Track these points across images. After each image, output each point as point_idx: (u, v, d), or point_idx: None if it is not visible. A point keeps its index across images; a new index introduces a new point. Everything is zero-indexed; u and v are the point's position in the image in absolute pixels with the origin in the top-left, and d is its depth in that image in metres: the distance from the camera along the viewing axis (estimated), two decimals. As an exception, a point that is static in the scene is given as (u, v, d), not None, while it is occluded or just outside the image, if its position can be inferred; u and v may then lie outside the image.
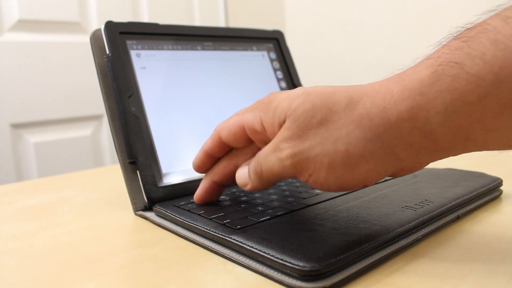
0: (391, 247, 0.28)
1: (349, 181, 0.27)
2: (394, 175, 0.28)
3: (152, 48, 0.45)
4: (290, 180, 0.43)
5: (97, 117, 1.17)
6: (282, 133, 0.28)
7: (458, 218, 0.34)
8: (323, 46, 1.38)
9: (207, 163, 0.36)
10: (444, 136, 0.24)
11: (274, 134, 0.29)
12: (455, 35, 0.24)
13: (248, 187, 0.32)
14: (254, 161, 0.31)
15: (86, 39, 1.12)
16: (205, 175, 0.36)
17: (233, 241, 0.28)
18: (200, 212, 0.34)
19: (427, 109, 0.24)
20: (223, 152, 0.35)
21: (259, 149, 0.31)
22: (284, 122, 0.28)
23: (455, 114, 0.23)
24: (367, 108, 0.26)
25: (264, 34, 0.55)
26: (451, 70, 0.23)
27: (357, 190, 0.27)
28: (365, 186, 0.28)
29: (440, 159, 0.26)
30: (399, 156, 0.26)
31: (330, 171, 0.26)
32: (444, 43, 0.25)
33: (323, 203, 0.35)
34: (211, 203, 0.36)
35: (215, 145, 0.34)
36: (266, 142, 0.30)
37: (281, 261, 0.24)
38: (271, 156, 0.28)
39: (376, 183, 0.40)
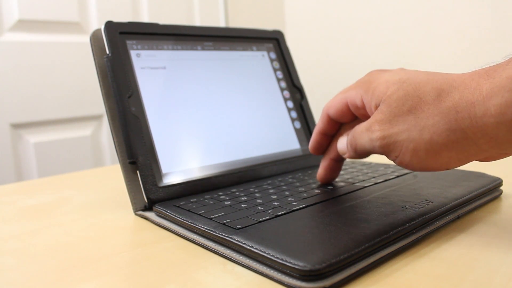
0: (391, 247, 0.28)
1: (431, 164, 0.29)
2: (481, 161, 0.30)
3: (152, 48, 0.45)
4: (290, 180, 0.43)
5: (97, 117, 1.17)
6: (376, 115, 0.31)
7: (458, 218, 0.34)
8: (323, 46, 1.38)
9: (322, 143, 0.39)
10: None
11: (371, 112, 0.32)
12: None
13: (346, 156, 0.36)
14: (351, 134, 0.34)
15: (86, 39, 1.12)
16: (323, 156, 0.40)
17: (233, 241, 0.28)
18: (200, 212, 0.34)
19: None
20: (334, 129, 0.38)
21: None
22: (379, 104, 0.31)
23: None
24: (455, 101, 0.27)
25: (264, 34, 0.55)
26: None
27: (440, 171, 0.30)
28: (447, 169, 0.30)
29: None
30: (482, 147, 0.27)
31: (414, 156, 0.29)
32: None
33: (323, 203, 0.35)
34: (330, 179, 0.40)
35: (326, 123, 0.38)
36: (367, 116, 0.33)
37: (281, 261, 0.24)
38: (364, 135, 0.32)
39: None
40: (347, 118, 0.36)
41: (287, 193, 0.38)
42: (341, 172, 0.46)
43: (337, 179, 0.43)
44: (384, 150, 0.30)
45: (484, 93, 0.26)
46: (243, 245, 0.27)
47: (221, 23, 1.44)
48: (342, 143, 0.36)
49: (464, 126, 0.27)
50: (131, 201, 0.39)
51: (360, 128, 0.32)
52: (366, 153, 0.33)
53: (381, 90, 0.31)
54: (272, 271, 0.25)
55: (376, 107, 0.31)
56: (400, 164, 0.30)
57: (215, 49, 0.50)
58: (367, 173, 0.45)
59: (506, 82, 0.25)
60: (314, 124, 0.54)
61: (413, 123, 0.28)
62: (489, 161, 0.30)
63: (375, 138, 0.30)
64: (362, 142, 0.32)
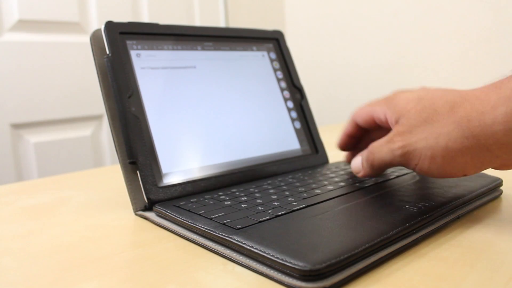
0: (391, 247, 0.28)
1: (449, 170, 0.32)
2: (497, 169, 0.32)
3: (152, 48, 0.45)
4: (290, 180, 0.43)
5: (97, 117, 1.17)
6: (397, 128, 0.34)
7: (458, 218, 0.34)
8: (323, 46, 1.38)
9: (348, 143, 0.45)
10: None
11: (393, 126, 0.35)
12: None
13: (360, 174, 0.39)
14: (367, 152, 0.37)
15: (86, 39, 1.12)
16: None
17: (233, 241, 0.28)
18: (200, 212, 0.34)
19: None
20: (360, 133, 0.43)
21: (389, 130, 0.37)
22: (399, 119, 0.34)
23: None
24: (467, 111, 0.30)
25: (264, 34, 0.55)
26: None
27: (458, 177, 0.33)
28: (464, 175, 0.32)
29: None
30: (496, 153, 0.29)
31: (432, 162, 0.31)
32: None
33: (323, 203, 0.35)
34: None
35: (353, 128, 0.43)
36: (390, 129, 0.36)
37: (281, 261, 0.24)
38: (384, 147, 0.34)
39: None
40: (372, 127, 0.41)
41: (287, 193, 0.38)
42: (341, 172, 0.46)
43: (337, 179, 0.43)
44: (405, 158, 0.33)
45: (492, 103, 0.28)
46: (243, 245, 0.27)
47: (221, 23, 1.44)
48: (357, 163, 0.39)
49: (476, 133, 0.29)
50: (131, 201, 0.39)
51: (379, 142, 0.35)
52: (383, 167, 0.36)
53: (401, 106, 0.34)
54: (272, 271, 0.25)
55: (397, 121, 0.34)
56: (421, 171, 0.33)
57: (215, 49, 0.50)
58: (367, 173, 0.45)
59: (510, 93, 0.27)
60: (314, 124, 0.54)
61: (430, 131, 0.31)
62: (505, 169, 0.31)
63: (396, 148, 0.33)
64: (381, 154, 0.35)
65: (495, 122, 0.28)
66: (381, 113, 0.37)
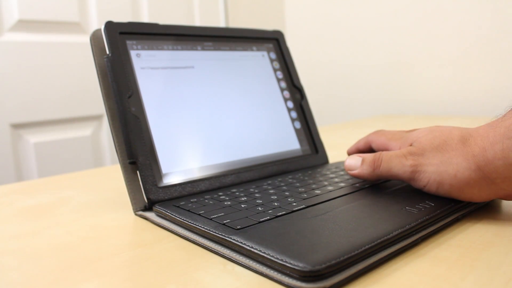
0: (391, 248, 0.28)
1: (455, 196, 0.33)
2: (504, 199, 0.34)
3: (152, 48, 0.45)
4: (290, 180, 0.43)
5: (97, 117, 1.17)
6: (409, 148, 0.36)
7: (458, 220, 0.34)
8: (323, 46, 1.38)
9: (355, 153, 0.46)
10: None
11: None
12: None
13: (355, 172, 0.40)
14: (374, 156, 0.38)
15: (86, 39, 1.12)
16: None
17: (233, 241, 0.28)
18: (200, 212, 0.34)
19: None
20: (370, 151, 0.45)
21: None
22: (412, 143, 0.37)
23: None
24: (472, 147, 0.32)
25: (264, 34, 0.55)
26: None
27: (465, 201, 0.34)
28: (471, 201, 0.34)
29: None
30: (501, 186, 0.31)
31: (440, 188, 0.34)
32: None
33: (323, 203, 0.35)
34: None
35: (365, 148, 0.45)
36: None
37: (281, 262, 0.24)
38: (395, 159, 0.36)
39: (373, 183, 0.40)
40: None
41: (287, 193, 0.38)
42: (341, 173, 0.46)
43: (337, 180, 0.43)
44: (414, 177, 0.35)
45: (491, 140, 0.31)
46: (243, 246, 0.27)
47: (221, 23, 1.44)
48: (354, 160, 0.40)
49: (482, 167, 0.31)
50: (131, 201, 0.39)
51: (390, 153, 0.37)
52: (385, 175, 0.37)
53: (413, 134, 0.37)
54: (272, 271, 0.25)
55: (410, 145, 0.37)
56: (428, 192, 0.35)
57: (215, 49, 0.50)
58: (367, 173, 0.45)
59: (504, 130, 0.30)
60: (314, 124, 0.54)
61: (440, 159, 0.33)
62: (511, 200, 0.33)
63: (408, 165, 0.35)
64: (390, 164, 0.36)
65: (495, 157, 0.30)
66: (395, 149, 0.40)
